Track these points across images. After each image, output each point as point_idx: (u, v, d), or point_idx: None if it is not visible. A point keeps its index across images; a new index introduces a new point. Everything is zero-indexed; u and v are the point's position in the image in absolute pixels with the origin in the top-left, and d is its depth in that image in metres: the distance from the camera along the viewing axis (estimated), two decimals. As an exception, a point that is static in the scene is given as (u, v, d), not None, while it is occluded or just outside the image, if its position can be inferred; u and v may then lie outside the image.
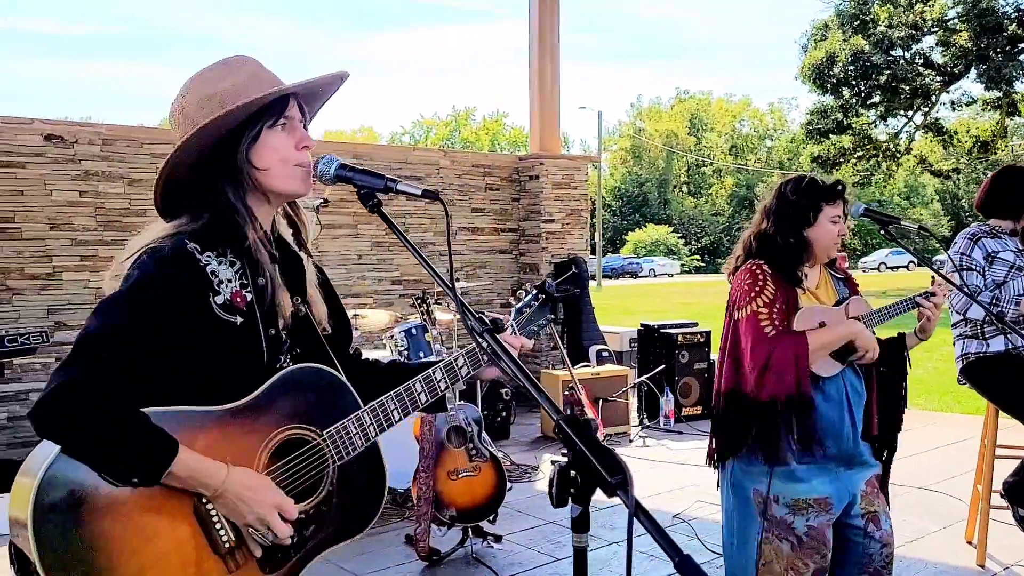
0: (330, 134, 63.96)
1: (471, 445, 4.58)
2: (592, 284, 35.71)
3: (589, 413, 6.32)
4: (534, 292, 2.09)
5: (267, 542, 1.60)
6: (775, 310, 2.66)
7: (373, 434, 1.77)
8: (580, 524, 1.28)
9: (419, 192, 1.58)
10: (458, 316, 5.83)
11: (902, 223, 3.01)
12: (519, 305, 2.09)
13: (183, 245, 1.59)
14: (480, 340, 1.44)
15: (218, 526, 1.55)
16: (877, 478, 2.82)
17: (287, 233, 1.82)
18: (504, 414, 7.13)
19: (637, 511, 1.15)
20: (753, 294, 2.69)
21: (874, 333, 2.81)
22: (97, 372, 1.44)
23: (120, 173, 6.43)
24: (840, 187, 2.81)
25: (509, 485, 5.59)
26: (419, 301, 4.69)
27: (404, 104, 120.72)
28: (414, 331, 5.78)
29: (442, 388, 1.88)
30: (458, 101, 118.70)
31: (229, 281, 1.64)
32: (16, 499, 1.44)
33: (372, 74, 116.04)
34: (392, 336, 5.72)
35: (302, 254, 1.83)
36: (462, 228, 8.50)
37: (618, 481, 1.20)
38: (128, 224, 6.47)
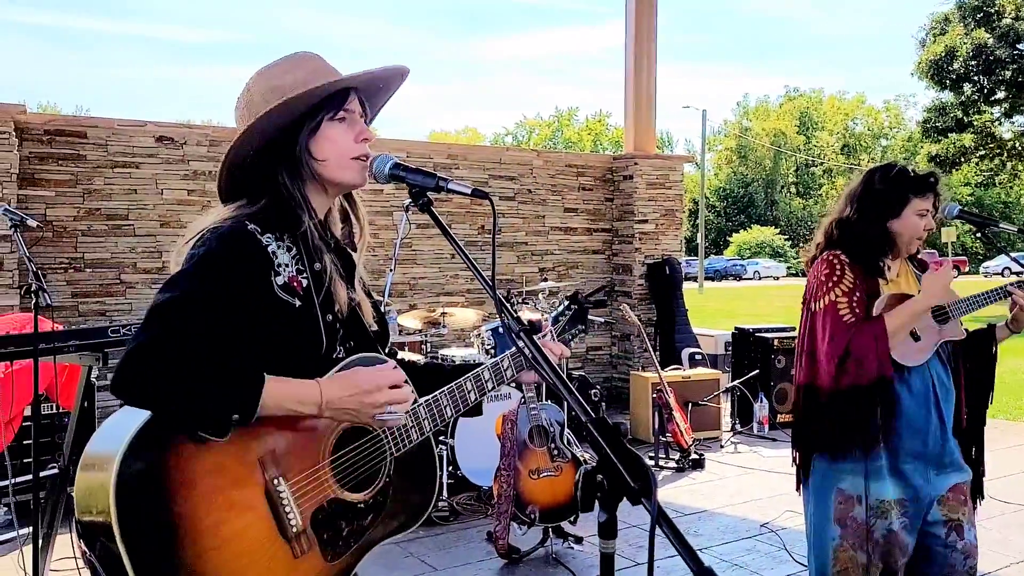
0: (435, 135, 65.09)
1: (553, 445, 4.57)
2: (693, 286, 35.18)
3: (678, 417, 6.22)
4: (566, 302, 2.14)
5: (400, 419, 1.67)
6: (854, 299, 2.57)
7: (428, 428, 1.80)
8: (607, 530, 1.26)
9: (469, 191, 1.60)
10: (545, 316, 5.84)
11: (1001, 225, 2.84)
12: (555, 312, 2.13)
13: (244, 226, 1.63)
14: (517, 340, 1.43)
15: (287, 509, 1.59)
16: (967, 486, 2.67)
17: (338, 228, 1.86)
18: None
19: (660, 520, 1.13)
20: (831, 284, 2.60)
21: (960, 323, 2.68)
22: (166, 335, 1.48)
23: (225, 173, 6.70)
24: (932, 179, 2.67)
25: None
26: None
27: (507, 106, 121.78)
28: (501, 330, 5.82)
29: (489, 388, 1.91)
30: (561, 102, 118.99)
31: (286, 265, 1.68)
32: (92, 496, 1.48)
33: (476, 77, 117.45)
34: (479, 335, 5.78)
35: (352, 252, 1.87)
36: (554, 228, 8.50)
37: (640, 487, 1.17)
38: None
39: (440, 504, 5.05)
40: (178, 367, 1.48)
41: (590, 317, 2.21)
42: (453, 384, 1.85)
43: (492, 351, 5.70)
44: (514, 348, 1.95)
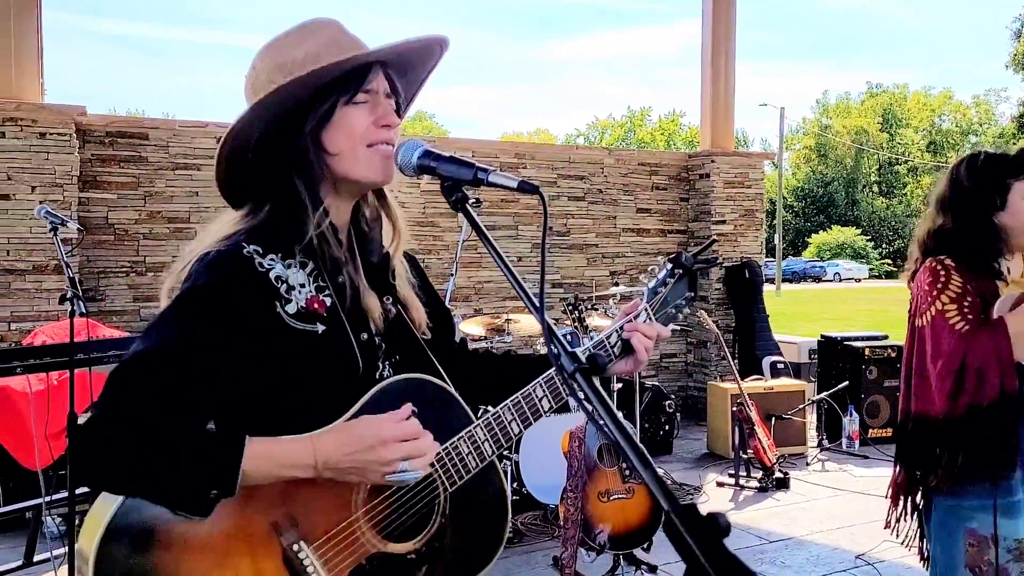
0: (506, 136, 65.04)
1: (624, 465, 4.21)
2: (770, 288, 34.16)
3: (760, 431, 5.78)
4: (668, 267, 1.75)
5: (417, 476, 1.35)
6: (965, 304, 2.19)
7: (489, 452, 1.49)
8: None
9: (515, 184, 1.26)
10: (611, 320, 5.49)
11: None
12: (653, 284, 1.74)
13: (239, 250, 1.36)
14: (566, 382, 1.09)
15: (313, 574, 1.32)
16: None
17: (378, 230, 1.56)
18: (667, 427, 6.69)
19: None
20: (936, 292, 2.22)
21: None
22: (126, 406, 1.22)
23: (286, 174, 6.55)
24: None
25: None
26: (570, 307, 4.38)
27: (579, 108, 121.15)
28: (569, 337, 5.48)
29: (565, 392, 1.57)
30: (633, 102, 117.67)
31: (302, 286, 1.40)
32: (86, 530, 1.26)
33: (548, 79, 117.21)
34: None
35: (390, 250, 1.56)
36: (626, 229, 8.11)
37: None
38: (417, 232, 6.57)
39: (503, 524, 4.73)
40: (138, 445, 1.21)
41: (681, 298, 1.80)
42: (519, 394, 1.53)
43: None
44: (599, 337, 1.65)
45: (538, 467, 4.97)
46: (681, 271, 1.77)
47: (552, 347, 1.10)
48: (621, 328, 1.67)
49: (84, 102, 5.93)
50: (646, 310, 1.70)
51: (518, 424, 1.52)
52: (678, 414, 6.86)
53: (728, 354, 6.39)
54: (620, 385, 5.82)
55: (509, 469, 4.98)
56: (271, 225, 1.41)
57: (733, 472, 5.80)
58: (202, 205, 6.27)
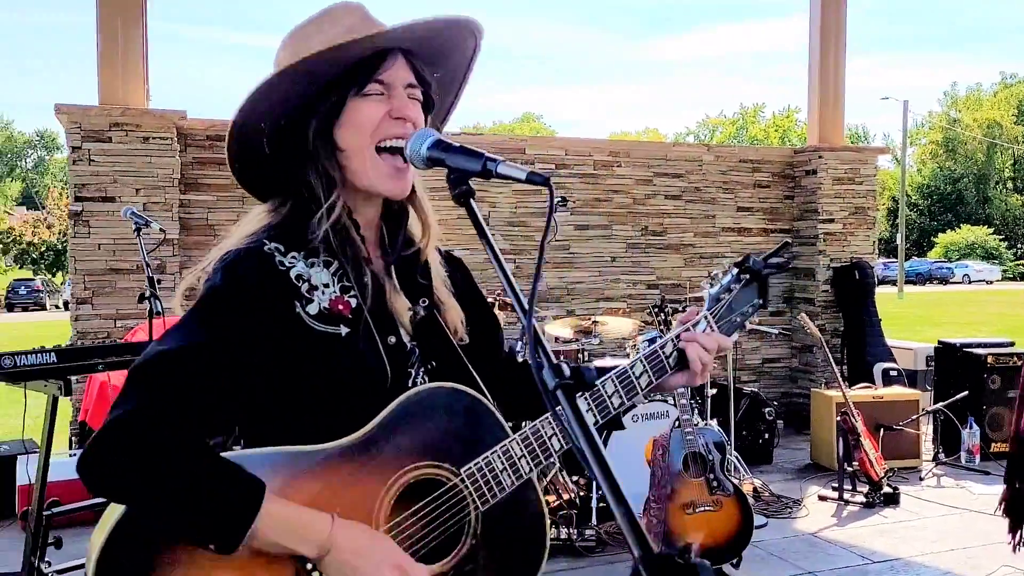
0: (614, 136, 64.46)
1: (712, 475, 4.00)
2: (891, 291, 32.56)
3: (866, 443, 5.41)
4: (734, 272, 1.61)
5: None
6: None
7: (526, 469, 1.37)
8: None
9: (523, 175, 1.13)
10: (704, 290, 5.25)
11: None
12: (715, 290, 1.61)
13: (260, 247, 1.30)
14: (547, 398, 0.95)
15: None
16: None
17: (416, 228, 1.46)
18: (767, 436, 6.37)
19: None
20: None
21: None
22: (153, 404, 1.17)
23: (378, 175, 6.59)
24: None
25: (764, 520, 4.94)
26: (655, 309, 4.19)
27: (689, 106, 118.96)
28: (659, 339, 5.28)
29: (615, 404, 1.46)
30: (746, 99, 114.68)
31: (326, 286, 1.33)
32: (100, 526, 1.21)
33: (658, 77, 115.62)
34: (635, 345, 5.27)
35: (423, 247, 1.46)
36: (726, 229, 7.80)
37: None
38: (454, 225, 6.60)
39: (587, 532, 4.58)
40: (150, 461, 1.15)
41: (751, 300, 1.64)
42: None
43: (648, 364, 5.17)
44: (656, 344, 1.51)
45: (624, 473, 4.77)
46: (748, 276, 1.61)
47: (535, 357, 0.96)
48: (678, 338, 1.52)
49: (185, 107, 6.12)
50: (706, 318, 1.55)
51: (559, 440, 1.39)
52: (779, 422, 6.53)
53: (832, 360, 6.03)
54: (715, 391, 5.57)
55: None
56: (292, 222, 1.35)
57: (837, 486, 5.46)
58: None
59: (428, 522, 1.32)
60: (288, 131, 1.34)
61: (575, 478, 5.18)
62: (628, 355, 5.42)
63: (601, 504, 4.83)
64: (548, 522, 1.44)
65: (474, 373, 1.44)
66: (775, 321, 7.73)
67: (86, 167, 5.72)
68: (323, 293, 1.32)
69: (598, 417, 1.44)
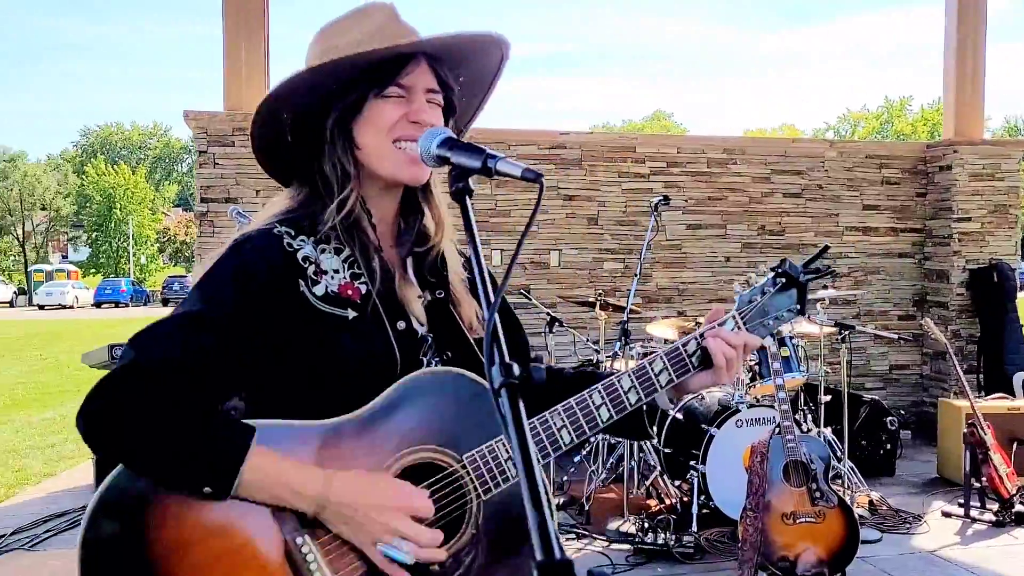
0: (750, 132, 62.64)
1: (814, 486, 3.83)
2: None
3: (996, 458, 5.04)
4: (771, 276, 1.57)
5: (408, 560, 1.25)
6: None
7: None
8: None
9: (519, 172, 1.13)
10: (819, 327, 5.02)
11: None
12: (747, 292, 1.56)
13: (270, 230, 1.36)
14: (494, 393, 0.93)
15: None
16: None
17: (431, 223, 1.49)
18: (888, 446, 6.03)
19: None
20: None
21: None
22: (138, 368, 1.22)
23: (488, 175, 6.66)
24: None
25: (878, 535, 4.69)
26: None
27: (829, 99, 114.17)
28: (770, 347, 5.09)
29: (631, 401, 1.42)
30: (891, 91, 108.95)
31: (336, 271, 1.37)
32: (100, 488, 1.26)
33: (795, 69, 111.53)
34: (741, 348, 5.09)
35: (437, 242, 1.48)
36: (850, 228, 7.43)
37: None
38: (494, 224, 6.67)
39: (685, 539, 4.48)
40: (144, 414, 1.19)
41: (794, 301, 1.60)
42: (574, 399, 1.40)
43: (755, 367, 5.01)
44: (680, 340, 1.48)
45: (727, 480, 4.65)
46: (785, 280, 1.55)
47: (488, 353, 0.95)
48: (702, 336, 1.47)
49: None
50: (734, 318, 1.50)
51: (569, 432, 1.38)
52: (904, 432, 6.17)
53: (961, 368, 5.64)
54: (829, 397, 5.32)
55: (696, 481, 4.72)
56: (304, 209, 1.40)
57: (963, 503, 5.11)
58: (408, 206, 6.53)
59: None
60: (309, 122, 1.39)
61: (677, 483, 5.07)
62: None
63: (703, 511, 4.71)
64: (554, 523, 1.40)
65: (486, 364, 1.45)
66: (904, 326, 7.31)
67: (211, 170, 6.07)
68: (332, 278, 1.36)
69: (613, 412, 1.41)
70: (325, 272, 1.36)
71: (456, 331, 1.46)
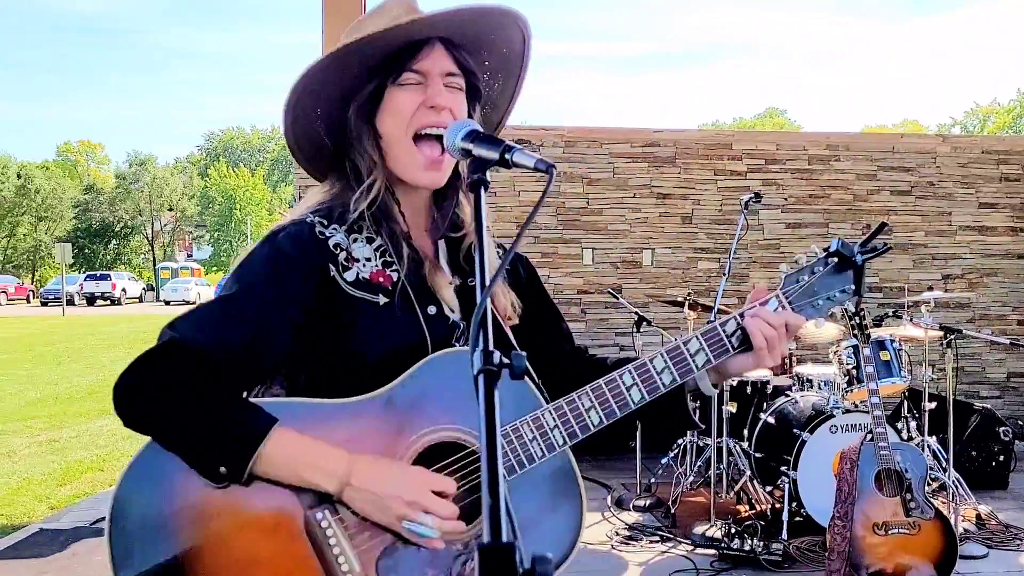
0: (869, 129, 60.17)
1: (909, 496, 3.65)
2: None
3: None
4: (822, 254, 1.47)
5: (434, 534, 1.25)
6: None
7: (560, 441, 1.34)
8: None
9: (532, 163, 1.14)
10: (923, 330, 4.76)
11: None
12: (794, 270, 1.47)
13: (303, 219, 1.40)
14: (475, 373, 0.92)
15: (337, 552, 1.25)
16: None
17: (466, 211, 1.50)
18: (1001, 458, 5.68)
19: None
20: None
21: None
22: (191, 338, 1.25)
23: (579, 173, 6.65)
24: None
25: (984, 551, 4.43)
26: (849, 313, 3.88)
27: (955, 92, 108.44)
28: (875, 346, 4.87)
29: (665, 381, 1.37)
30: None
31: (368, 260, 1.39)
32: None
33: (918, 61, 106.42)
34: (837, 351, 4.90)
35: (474, 231, 1.48)
36: (964, 227, 7.04)
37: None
38: (586, 223, 6.65)
39: (774, 546, 4.35)
40: (199, 384, 1.23)
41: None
42: (603, 380, 1.36)
43: (852, 370, 4.81)
44: (716, 322, 1.42)
45: (820, 487, 4.49)
46: (838, 259, 1.46)
47: (474, 339, 0.95)
48: (742, 316, 1.42)
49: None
50: (778, 297, 1.43)
51: (598, 413, 1.35)
52: (1018, 443, 5.80)
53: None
54: (934, 404, 5.06)
55: (787, 487, 4.57)
56: (336, 199, 1.43)
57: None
58: (500, 204, 6.57)
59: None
60: (335, 115, 1.42)
61: (768, 489, 4.93)
62: (831, 362, 5.06)
63: (795, 519, 4.57)
64: (583, 502, 1.38)
65: (518, 350, 1.44)
66: (1020, 332, 6.88)
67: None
68: (364, 265, 1.38)
69: (645, 394, 1.36)
70: (357, 260, 1.38)
71: (493, 319, 1.46)
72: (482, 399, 0.83)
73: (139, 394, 1.23)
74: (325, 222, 1.39)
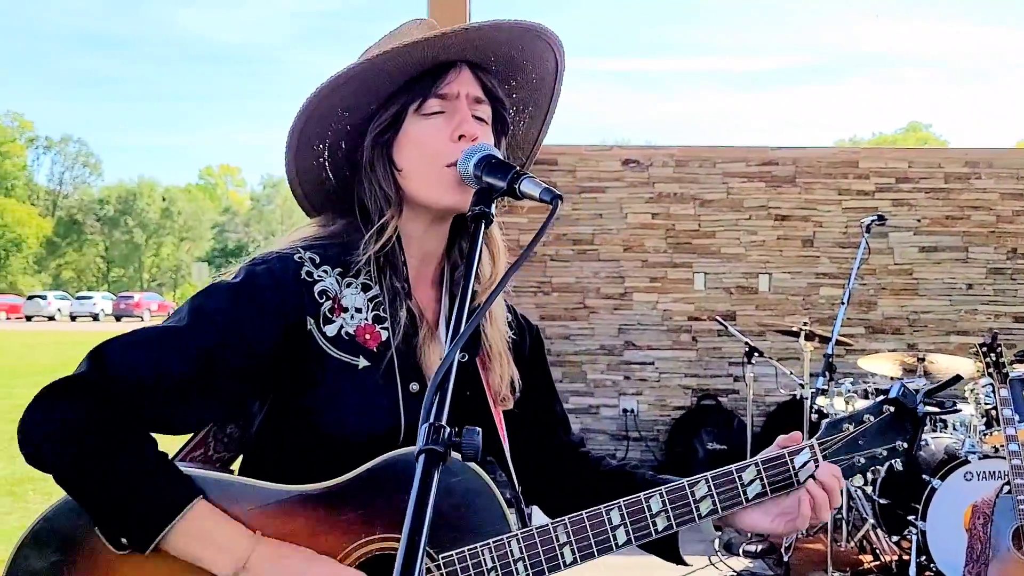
0: (1021, 143, 56.24)
1: (1056, 559, 3.20)
2: None
3: None
4: (878, 400, 1.26)
5: None
6: None
7: None
8: None
9: (538, 193, 1.04)
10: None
11: None
12: (839, 416, 1.25)
13: (291, 255, 1.23)
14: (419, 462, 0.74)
15: None
16: None
17: (487, 266, 1.31)
18: None
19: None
20: None
21: None
22: (116, 373, 1.09)
23: (692, 194, 6.39)
24: None
25: None
26: (983, 348, 3.47)
27: None
28: (1018, 385, 4.38)
29: (658, 528, 1.17)
30: None
31: (358, 311, 1.22)
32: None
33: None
34: (974, 391, 4.42)
35: (490, 283, 1.30)
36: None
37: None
38: (697, 246, 6.37)
39: (898, 603, 3.94)
40: (93, 426, 1.06)
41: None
42: (587, 513, 1.17)
43: (991, 411, 4.32)
44: (751, 462, 1.22)
45: (952, 540, 4.04)
46: (894, 409, 1.24)
47: (427, 410, 0.77)
48: (765, 462, 1.23)
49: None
50: (812, 448, 1.21)
51: (573, 552, 1.14)
52: None
53: None
54: None
55: (915, 539, 4.15)
56: (337, 238, 1.27)
57: None
58: (606, 227, 6.40)
59: None
60: (346, 146, 1.27)
61: (895, 538, 4.50)
62: (969, 401, 4.58)
63: (925, 573, 4.14)
64: None
65: (505, 447, 1.26)
66: None
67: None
68: (352, 317, 1.21)
69: (632, 538, 1.16)
70: (345, 310, 1.21)
71: (479, 399, 1.27)
72: (416, 486, 0.66)
73: (43, 436, 1.07)
74: (317, 260, 1.23)
